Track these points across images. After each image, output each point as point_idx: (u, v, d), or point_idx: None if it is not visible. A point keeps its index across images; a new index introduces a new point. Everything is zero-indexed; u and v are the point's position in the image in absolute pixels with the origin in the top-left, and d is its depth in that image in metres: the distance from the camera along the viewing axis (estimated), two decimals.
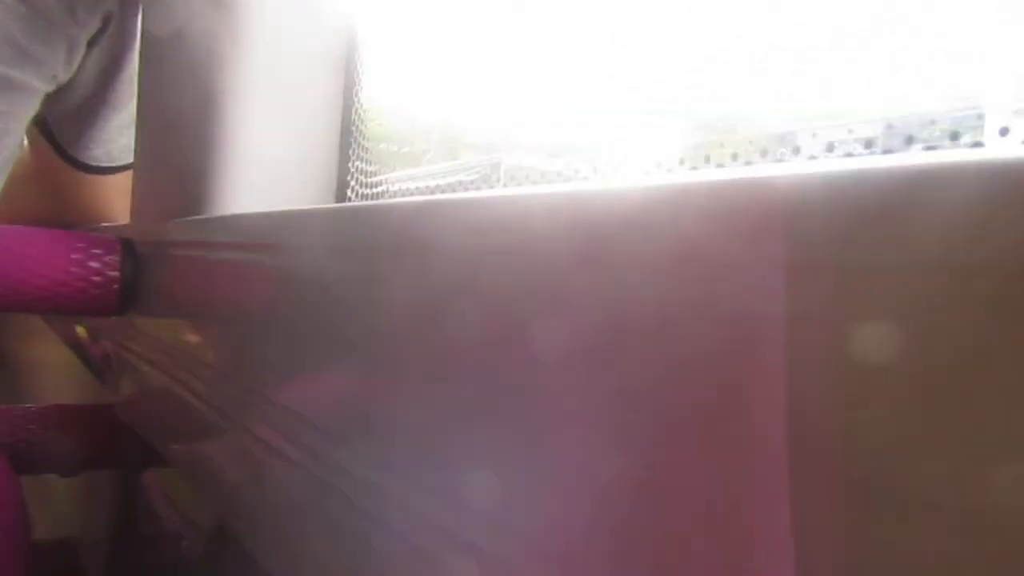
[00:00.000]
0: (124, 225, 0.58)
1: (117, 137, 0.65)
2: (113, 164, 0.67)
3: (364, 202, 0.27)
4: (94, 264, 0.47)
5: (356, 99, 0.42)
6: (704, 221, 0.13)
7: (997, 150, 0.10)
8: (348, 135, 0.42)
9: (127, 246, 0.48)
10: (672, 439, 0.14)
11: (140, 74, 0.56)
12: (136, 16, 0.59)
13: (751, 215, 0.12)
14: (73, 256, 0.46)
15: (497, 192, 0.20)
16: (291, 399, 0.31)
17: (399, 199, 0.24)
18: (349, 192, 0.42)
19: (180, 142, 0.47)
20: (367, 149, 0.42)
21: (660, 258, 0.14)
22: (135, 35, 0.60)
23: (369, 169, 0.41)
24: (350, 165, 0.42)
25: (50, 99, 0.59)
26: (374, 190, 0.40)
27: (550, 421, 0.17)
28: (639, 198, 0.14)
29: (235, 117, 0.42)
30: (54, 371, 0.95)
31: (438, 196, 0.22)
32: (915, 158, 0.11)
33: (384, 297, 0.23)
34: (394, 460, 0.23)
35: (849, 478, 0.11)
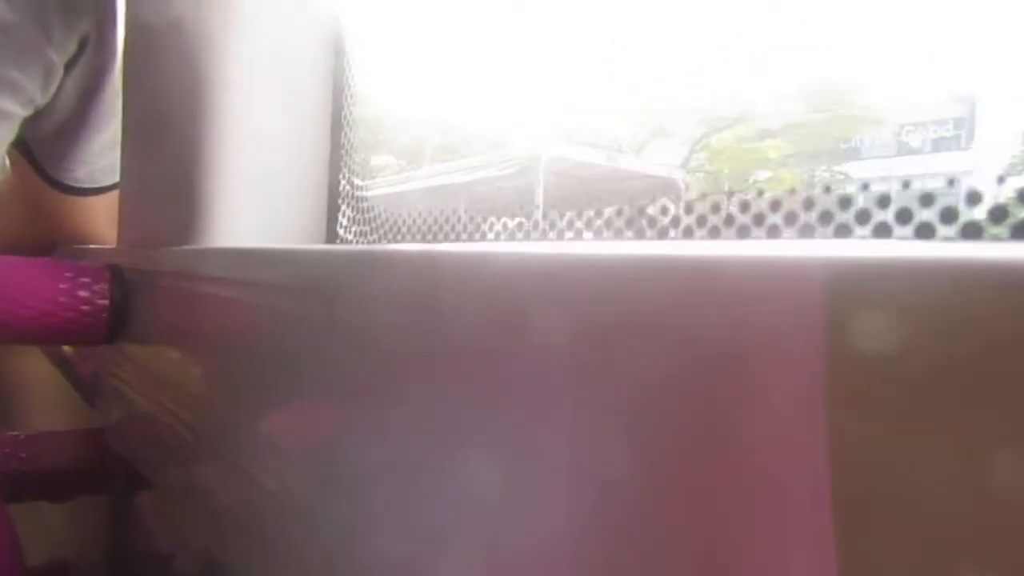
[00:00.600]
0: (112, 250, 0.58)
1: (99, 158, 0.65)
2: (97, 185, 0.67)
3: (352, 247, 0.28)
4: (83, 293, 0.47)
5: (347, 112, 0.43)
6: (725, 299, 0.13)
7: None
8: (339, 146, 0.43)
9: (116, 273, 0.49)
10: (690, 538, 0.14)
11: (123, 93, 0.56)
12: (114, 38, 0.59)
13: (776, 296, 0.13)
14: (62, 285, 0.47)
15: (488, 247, 0.20)
16: (275, 430, 0.31)
17: (390, 246, 0.25)
18: (340, 202, 0.42)
19: (166, 162, 0.47)
20: (357, 163, 0.42)
21: (673, 333, 0.14)
22: (114, 56, 0.59)
23: (360, 183, 0.42)
24: (341, 178, 0.42)
25: (29, 122, 0.59)
26: (382, 189, 0.40)
27: (536, 471, 0.17)
28: (649, 267, 0.15)
29: (223, 134, 0.42)
30: (42, 392, 0.95)
31: (435, 246, 0.22)
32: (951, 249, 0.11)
33: (367, 338, 0.24)
34: (375, 487, 0.23)
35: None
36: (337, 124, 0.44)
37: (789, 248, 0.13)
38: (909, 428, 0.11)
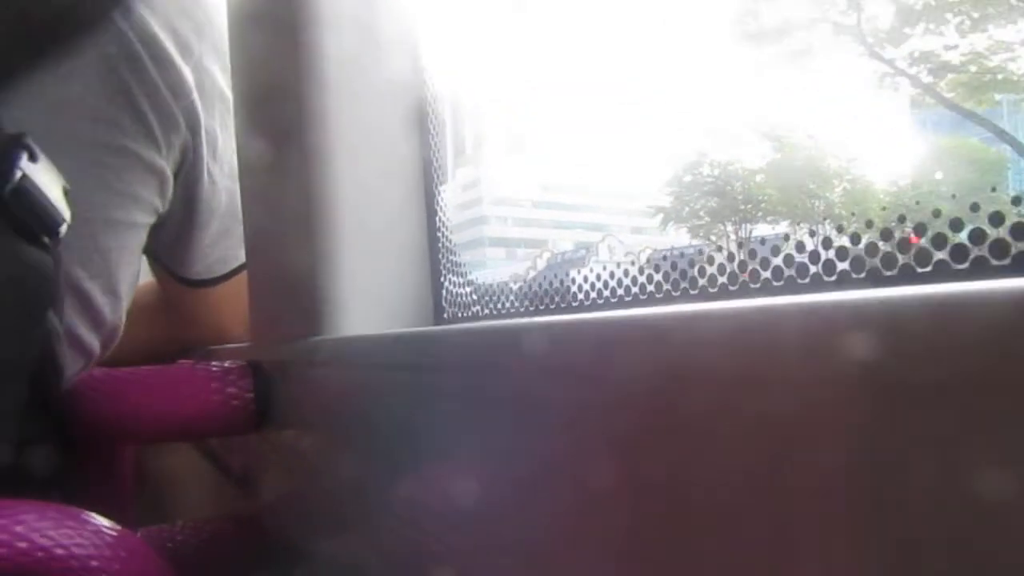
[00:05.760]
0: (248, 347, 0.64)
1: (212, 251, 0.73)
2: (214, 276, 0.74)
3: (448, 328, 0.32)
4: (231, 390, 0.52)
5: (442, 218, 0.47)
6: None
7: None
8: (436, 239, 0.47)
9: (256, 369, 0.54)
10: None
11: (242, 205, 0.63)
12: (202, 142, 0.66)
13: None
14: (212, 385, 0.52)
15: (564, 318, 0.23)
16: (410, 503, 0.34)
17: (469, 325, 0.28)
18: (442, 281, 0.47)
19: (287, 263, 0.53)
20: (452, 252, 0.46)
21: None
22: (202, 158, 0.66)
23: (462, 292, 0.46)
24: (442, 268, 0.46)
25: (153, 231, 0.67)
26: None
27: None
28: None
29: (334, 237, 0.47)
30: (195, 482, 1.02)
31: (509, 322, 0.25)
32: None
33: (490, 414, 0.27)
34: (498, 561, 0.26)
35: None
36: (433, 224, 0.48)
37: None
38: None
